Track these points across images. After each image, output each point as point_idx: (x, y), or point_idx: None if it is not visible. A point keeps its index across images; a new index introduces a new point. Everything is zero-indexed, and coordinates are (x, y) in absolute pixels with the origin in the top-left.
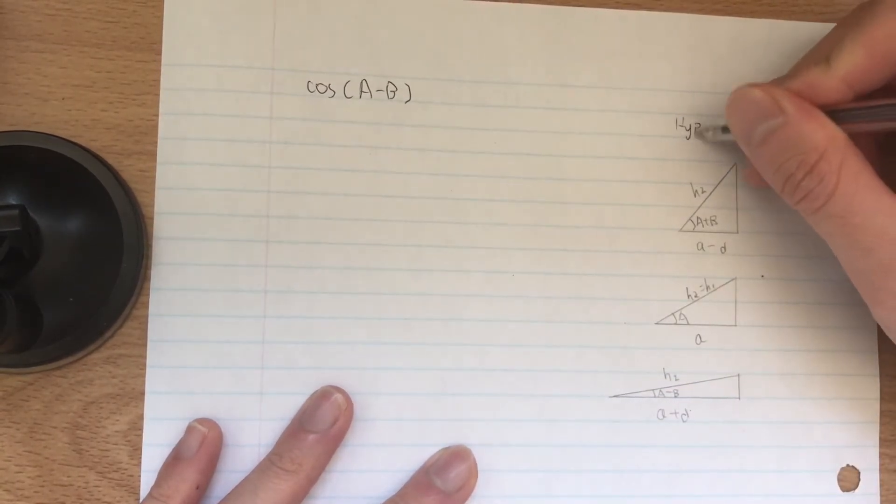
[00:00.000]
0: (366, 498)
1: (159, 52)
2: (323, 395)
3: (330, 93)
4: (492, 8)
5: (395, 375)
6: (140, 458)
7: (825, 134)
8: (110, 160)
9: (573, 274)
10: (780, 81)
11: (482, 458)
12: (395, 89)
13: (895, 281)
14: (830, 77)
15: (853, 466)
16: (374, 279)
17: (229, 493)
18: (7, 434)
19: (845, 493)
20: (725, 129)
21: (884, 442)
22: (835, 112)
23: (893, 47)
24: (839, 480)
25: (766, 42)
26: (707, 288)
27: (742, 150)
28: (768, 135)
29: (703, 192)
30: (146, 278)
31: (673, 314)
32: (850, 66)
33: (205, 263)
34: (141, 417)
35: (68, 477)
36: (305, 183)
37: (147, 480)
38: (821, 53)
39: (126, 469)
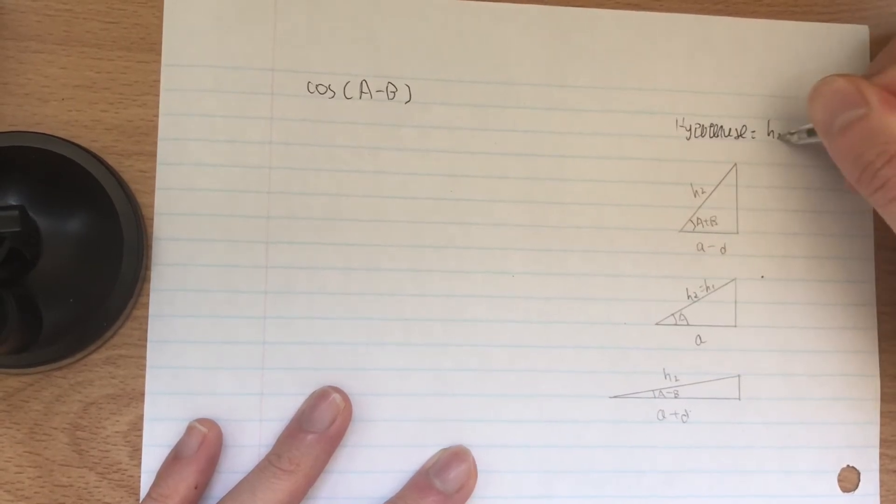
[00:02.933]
0: (366, 499)
1: (159, 53)
2: (321, 396)
3: (330, 93)
4: (492, 8)
5: (395, 376)
6: (140, 458)
7: None
8: (110, 161)
9: (573, 274)
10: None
11: (482, 458)
12: (395, 90)
13: None
14: None
15: (853, 467)
16: (374, 280)
17: (228, 493)
18: (7, 435)
19: (845, 493)
20: (811, 132)
21: (884, 442)
22: None
23: None
24: (839, 481)
25: (766, 42)
26: (707, 288)
27: (823, 141)
28: (849, 124)
29: (703, 192)
30: (146, 279)
31: (673, 315)
32: None
33: (205, 264)
34: (141, 418)
35: (68, 477)
36: (305, 183)
37: (147, 481)
38: None
39: (126, 470)
